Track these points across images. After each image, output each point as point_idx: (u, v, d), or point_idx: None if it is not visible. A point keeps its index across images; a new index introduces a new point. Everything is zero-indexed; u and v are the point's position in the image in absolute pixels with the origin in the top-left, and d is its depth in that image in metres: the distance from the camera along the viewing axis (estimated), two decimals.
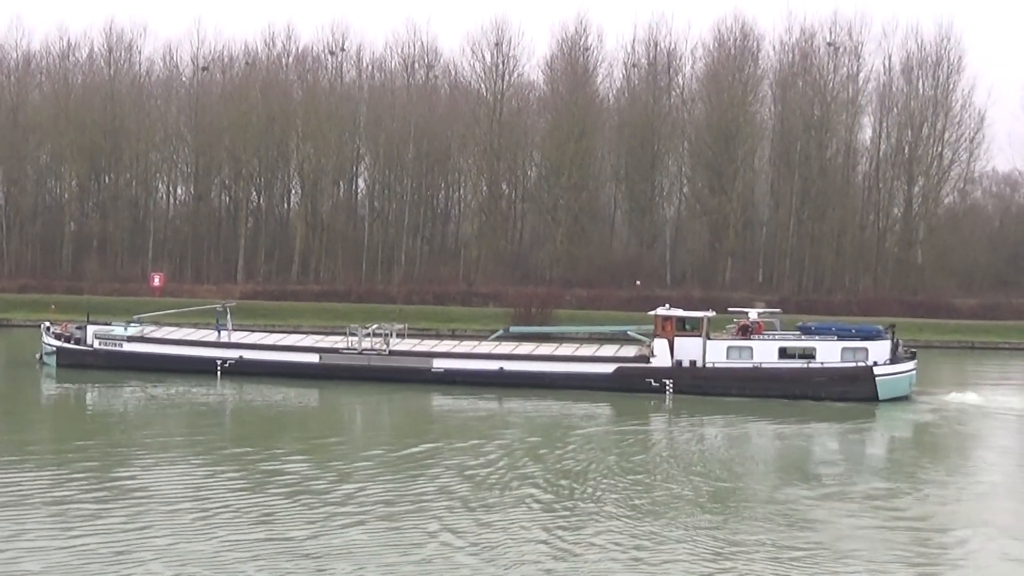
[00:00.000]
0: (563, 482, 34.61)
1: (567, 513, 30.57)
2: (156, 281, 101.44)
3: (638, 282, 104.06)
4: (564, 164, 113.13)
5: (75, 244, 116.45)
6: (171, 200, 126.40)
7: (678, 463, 38.86)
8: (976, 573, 26.63)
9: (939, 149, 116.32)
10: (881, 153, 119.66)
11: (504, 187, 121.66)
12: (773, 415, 50.49)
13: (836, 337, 57.49)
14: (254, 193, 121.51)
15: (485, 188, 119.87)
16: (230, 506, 30.34)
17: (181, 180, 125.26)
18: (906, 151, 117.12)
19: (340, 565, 25.07)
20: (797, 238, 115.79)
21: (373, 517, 29.40)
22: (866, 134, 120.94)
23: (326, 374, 59.22)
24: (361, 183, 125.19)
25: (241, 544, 26.53)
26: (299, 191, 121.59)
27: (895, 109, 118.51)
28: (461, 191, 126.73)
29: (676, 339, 57.34)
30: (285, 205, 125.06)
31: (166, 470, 35.55)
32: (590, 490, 33.69)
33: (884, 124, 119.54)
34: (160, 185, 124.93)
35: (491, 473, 35.74)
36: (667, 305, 61.51)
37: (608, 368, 58.15)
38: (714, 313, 60.63)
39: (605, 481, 35.07)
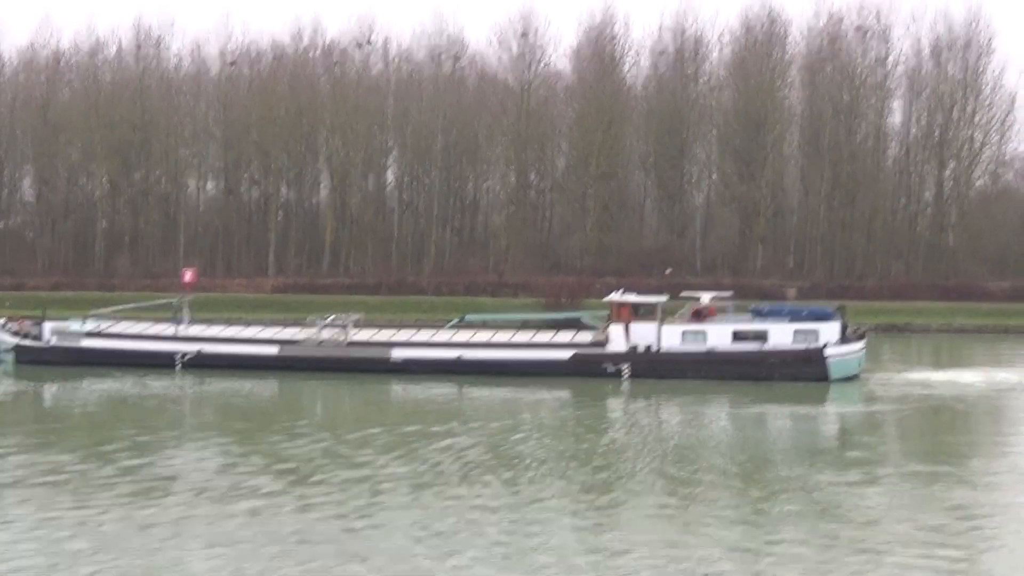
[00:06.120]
0: (534, 464, 34.82)
1: (545, 495, 30.63)
2: (187, 276, 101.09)
3: (668, 270, 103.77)
4: (592, 153, 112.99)
5: (107, 241, 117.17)
6: (201, 195, 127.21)
7: (644, 444, 39.33)
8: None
9: (970, 132, 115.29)
10: (911, 137, 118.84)
11: (532, 177, 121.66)
12: (728, 397, 51.27)
13: (788, 319, 58.11)
14: (283, 187, 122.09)
15: (513, 178, 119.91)
16: (202, 491, 30.46)
17: (211, 175, 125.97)
18: (936, 134, 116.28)
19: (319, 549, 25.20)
20: (828, 224, 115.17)
21: (349, 503, 29.47)
22: (896, 118, 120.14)
23: (285, 365, 59.16)
24: (390, 175, 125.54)
25: (224, 532, 26.50)
26: (328, 184, 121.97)
27: (925, 92, 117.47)
28: (489, 181, 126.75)
29: (631, 324, 57.74)
30: (314, 198, 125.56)
31: (134, 461, 35.30)
32: (570, 471, 34.02)
33: (914, 107, 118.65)
34: (190, 180, 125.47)
35: (462, 457, 35.79)
36: (621, 290, 61.72)
37: (565, 354, 58.17)
38: (667, 298, 61.15)
39: (579, 462, 35.53)
